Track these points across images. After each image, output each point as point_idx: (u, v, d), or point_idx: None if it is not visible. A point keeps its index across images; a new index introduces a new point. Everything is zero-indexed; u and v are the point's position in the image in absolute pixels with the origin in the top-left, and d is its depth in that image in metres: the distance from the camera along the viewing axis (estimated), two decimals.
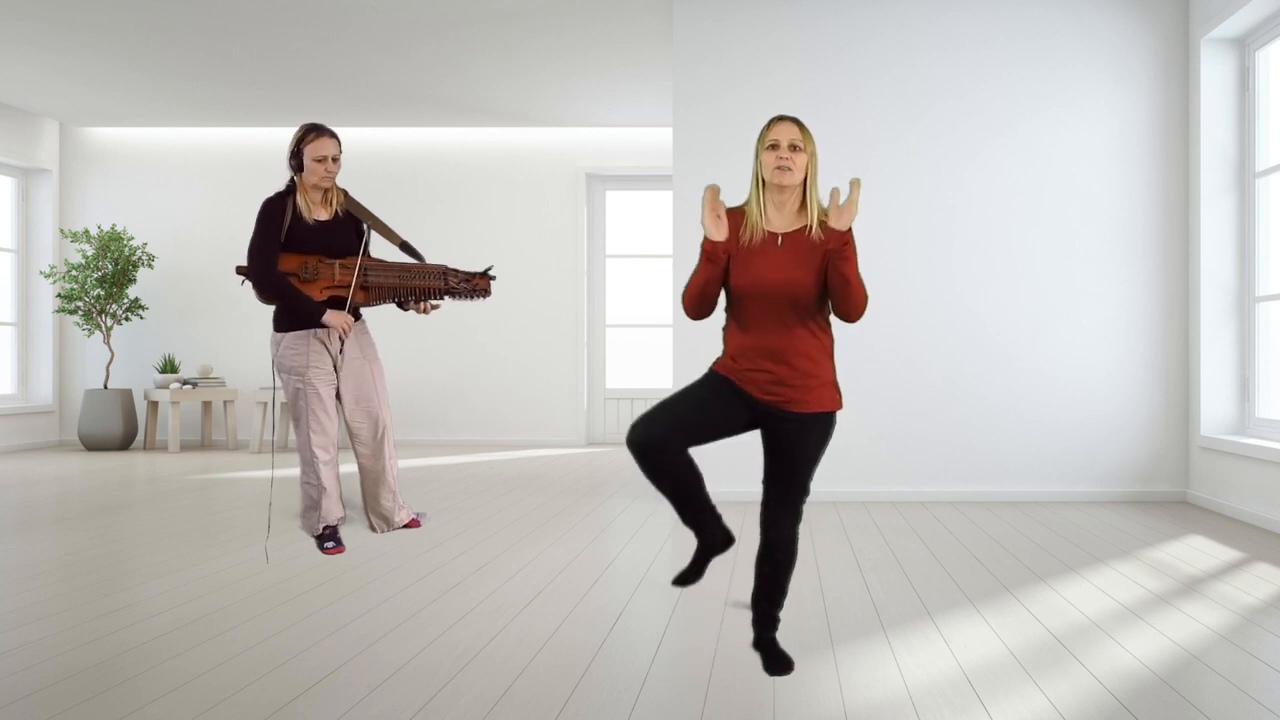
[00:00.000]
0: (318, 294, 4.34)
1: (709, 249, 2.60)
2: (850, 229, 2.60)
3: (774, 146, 2.63)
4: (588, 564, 4.08)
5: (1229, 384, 5.57)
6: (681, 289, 5.72)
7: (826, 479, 5.58)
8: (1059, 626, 3.17)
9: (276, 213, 4.31)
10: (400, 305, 4.54)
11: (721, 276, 2.64)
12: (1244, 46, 5.53)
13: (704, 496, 2.70)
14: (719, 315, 2.84)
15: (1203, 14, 5.57)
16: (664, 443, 2.56)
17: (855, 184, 2.56)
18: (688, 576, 2.75)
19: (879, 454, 5.83)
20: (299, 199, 4.37)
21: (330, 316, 4.32)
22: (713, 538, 2.75)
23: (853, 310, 2.63)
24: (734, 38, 5.89)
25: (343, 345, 4.44)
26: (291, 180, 4.41)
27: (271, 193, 4.78)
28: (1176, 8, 5.79)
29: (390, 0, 6.07)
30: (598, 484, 6.53)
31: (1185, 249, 5.79)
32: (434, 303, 4.53)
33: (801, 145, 2.63)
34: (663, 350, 9.42)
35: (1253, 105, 5.46)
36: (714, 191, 2.56)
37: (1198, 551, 4.35)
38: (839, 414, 2.80)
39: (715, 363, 2.73)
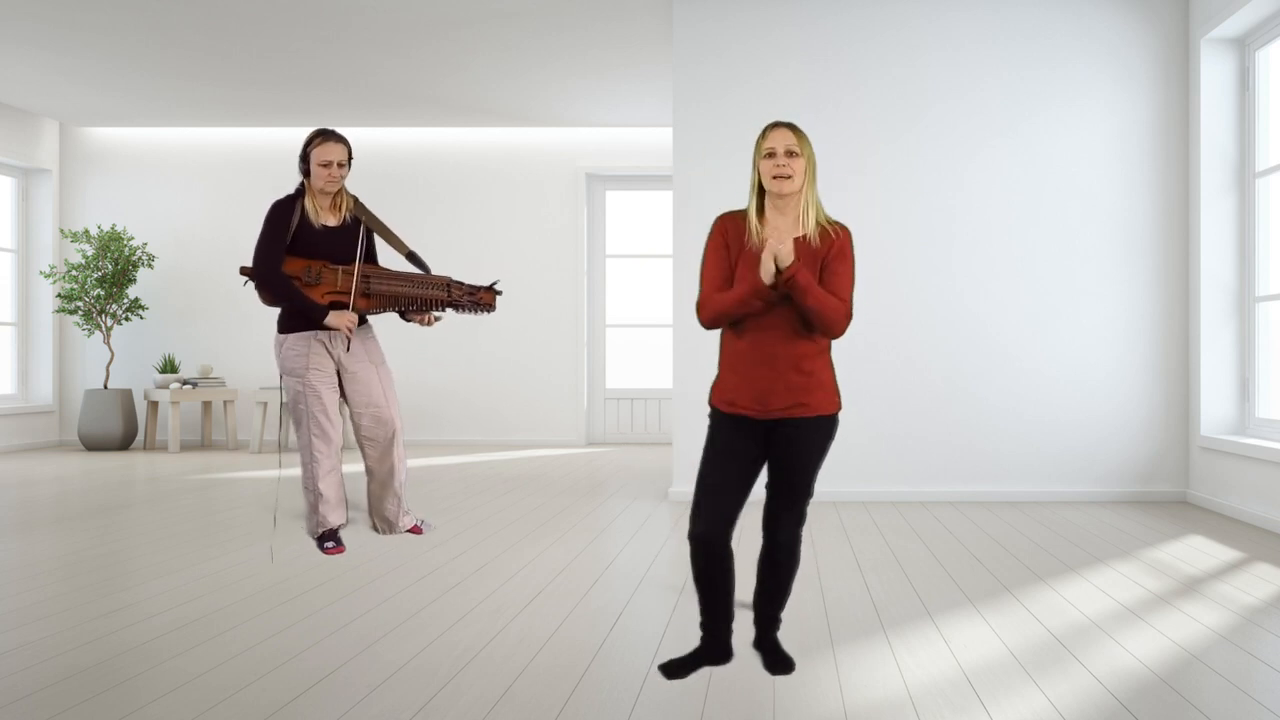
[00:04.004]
0: (320, 299, 4.34)
1: (761, 289, 2.55)
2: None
3: (770, 154, 2.62)
4: (588, 564, 4.08)
5: (1229, 384, 5.56)
6: (676, 285, 5.77)
7: (827, 479, 5.58)
8: (1059, 626, 3.17)
9: (284, 215, 4.32)
10: (402, 315, 4.52)
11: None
12: (1244, 46, 5.53)
13: (729, 609, 2.74)
14: None
15: (1203, 14, 5.57)
16: (723, 537, 2.62)
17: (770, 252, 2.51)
18: (675, 669, 2.70)
19: (879, 454, 5.83)
20: (307, 203, 4.37)
21: (334, 318, 4.31)
22: (713, 649, 2.77)
23: (830, 328, 2.59)
24: (734, 38, 5.89)
25: (349, 344, 4.43)
26: (301, 184, 4.42)
27: (279, 194, 4.76)
28: (1176, 8, 5.79)
29: (390, 0, 6.07)
30: (598, 484, 6.53)
31: (1185, 249, 5.79)
32: (436, 314, 4.51)
33: (798, 150, 2.62)
34: (663, 350, 9.42)
35: (1253, 105, 5.46)
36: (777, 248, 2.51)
37: (1198, 551, 4.35)
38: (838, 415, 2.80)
39: (712, 394, 2.71)
